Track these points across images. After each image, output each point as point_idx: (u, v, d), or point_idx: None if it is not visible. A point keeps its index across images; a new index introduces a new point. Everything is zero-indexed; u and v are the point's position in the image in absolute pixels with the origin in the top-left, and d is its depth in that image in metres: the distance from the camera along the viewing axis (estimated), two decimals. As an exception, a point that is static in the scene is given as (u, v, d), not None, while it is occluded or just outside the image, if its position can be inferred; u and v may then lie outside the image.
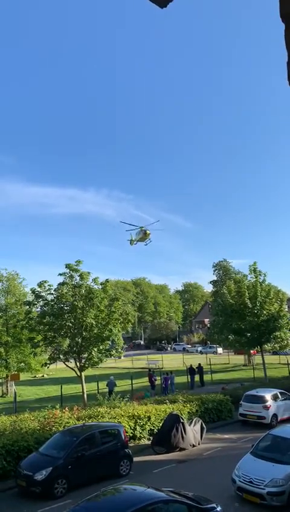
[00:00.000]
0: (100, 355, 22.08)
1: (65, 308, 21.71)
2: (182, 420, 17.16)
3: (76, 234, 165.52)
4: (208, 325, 67.98)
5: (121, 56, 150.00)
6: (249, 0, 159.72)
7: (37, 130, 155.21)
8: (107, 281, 23.41)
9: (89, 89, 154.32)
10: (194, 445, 17.23)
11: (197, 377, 33.55)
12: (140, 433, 17.76)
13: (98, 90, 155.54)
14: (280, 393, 21.59)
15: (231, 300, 31.39)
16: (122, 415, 17.71)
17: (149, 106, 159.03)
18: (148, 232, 34.80)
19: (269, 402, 20.53)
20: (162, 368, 43.13)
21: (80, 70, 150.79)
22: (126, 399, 21.27)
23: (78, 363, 22.02)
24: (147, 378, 31.85)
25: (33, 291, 22.26)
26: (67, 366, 22.94)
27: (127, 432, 16.05)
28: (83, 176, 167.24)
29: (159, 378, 31.28)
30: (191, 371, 33.24)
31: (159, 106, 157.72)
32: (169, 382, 30.23)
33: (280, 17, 1.99)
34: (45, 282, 22.04)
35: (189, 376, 32.95)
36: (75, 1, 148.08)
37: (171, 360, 53.10)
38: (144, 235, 34.91)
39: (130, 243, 36.39)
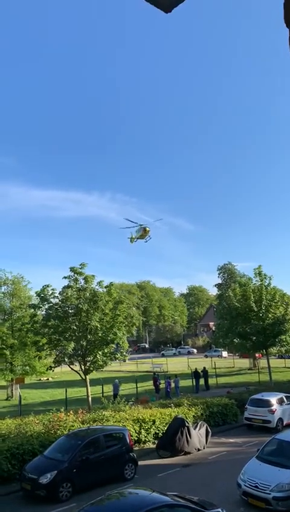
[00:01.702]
0: (105, 358, 22.07)
1: (70, 311, 21.76)
2: (187, 424, 17.10)
3: (80, 237, 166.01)
4: (213, 328, 67.80)
5: (124, 58, 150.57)
6: (253, 6, 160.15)
7: (40, 133, 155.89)
8: (111, 284, 23.42)
9: (92, 92, 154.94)
10: (199, 449, 17.16)
11: (202, 381, 33.44)
12: (145, 436, 17.71)
13: (101, 93, 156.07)
14: (286, 397, 21.46)
15: (236, 304, 31.28)
16: (127, 419, 17.67)
17: (153, 109, 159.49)
18: (147, 228, 34.99)
19: (275, 406, 20.41)
20: (167, 372, 43.08)
21: (82, 73, 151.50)
22: (131, 402, 21.23)
23: (83, 366, 22.04)
24: (151, 382, 31.83)
25: (38, 294, 22.33)
26: (72, 369, 22.96)
27: (132, 436, 16.01)
28: (86, 179, 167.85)
29: (163, 381, 31.25)
30: (196, 374, 33.14)
31: (163, 109, 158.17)
32: (171, 386, 30.12)
33: (284, 22, 2.00)
34: (48, 286, 22.10)
35: (194, 380, 32.85)
36: (77, 3, 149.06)
37: (175, 364, 52.97)
38: (143, 232, 35.08)
39: (130, 241, 36.59)
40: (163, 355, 71.53)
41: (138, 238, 35.93)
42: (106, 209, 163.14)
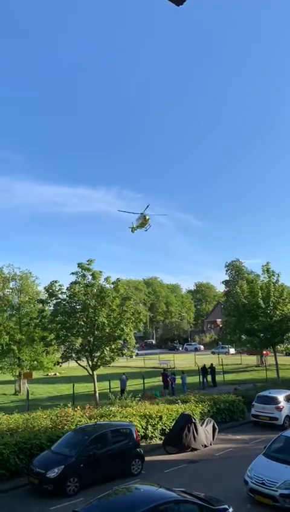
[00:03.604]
0: (112, 354, 22.11)
1: (77, 307, 21.80)
2: (193, 420, 17.09)
3: (87, 233, 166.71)
4: (220, 325, 67.60)
5: (133, 55, 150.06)
6: (261, 3, 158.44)
7: (47, 130, 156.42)
8: (118, 280, 23.43)
9: (100, 89, 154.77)
10: (206, 446, 17.15)
11: (209, 377, 33.38)
12: (152, 432, 17.72)
13: (109, 90, 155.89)
14: (293, 394, 21.35)
15: (243, 300, 31.14)
16: (134, 414, 17.69)
17: (160, 106, 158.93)
18: (147, 217, 35.04)
19: (282, 403, 20.33)
20: (174, 368, 43.11)
21: (91, 70, 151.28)
22: (138, 398, 21.26)
23: (90, 362, 22.10)
24: (158, 378, 31.82)
25: (47, 289, 22.39)
26: (79, 364, 23.03)
27: (138, 431, 16.04)
28: (93, 175, 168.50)
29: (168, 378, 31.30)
30: (203, 371, 33.10)
31: (171, 106, 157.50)
32: (175, 382, 30.12)
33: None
34: (56, 282, 22.15)
35: (201, 376, 32.81)
36: (81, 5, 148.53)
37: (182, 360, 52.97)
38: (143, 220, 35.15)
39: (131, 230, 36.71)
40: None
41: (138, 227, 36.09)
42: (113, 205, 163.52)
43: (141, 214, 35.19)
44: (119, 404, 19.98)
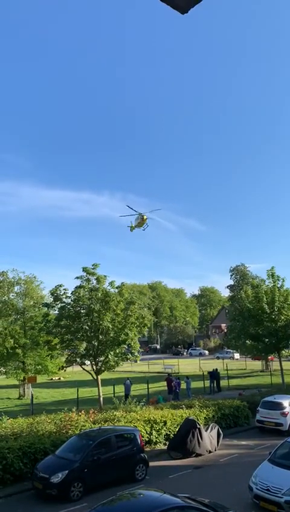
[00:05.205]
0: (116, 358, 22.09)
1: (82, 311, 21.83)
2: (198, 425, 17.00)
3: (91, 237, 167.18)
4: (225, 330, 67.41)
5: (138, 60, 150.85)
6: (263, 9, 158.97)
7: (52, 135, 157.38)
8: (123, 284, 23.44)
9: (104, 93, 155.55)
10: (210, 451, 17.06)
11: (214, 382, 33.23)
12: (156, 437, 17.66)
13: (112, 94, 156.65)
14: (298, 400, 21.20)
15: (248, 305, 31.04)
16: (138, 419, 17.64)
17: (163, 110, 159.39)
18: (145, 217, 35.55)
19: (287, 409, 20.17)
20: (178, 373, 43.00)
21: (95, 75, 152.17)
22: (142, 403, 21.21)
23: (94, 366, 22.09)
24: (162, 383, 31.72)
25: (52, 293, 22.45)
26: (83, 369, 23.01)
27: (143, 437, 15.99)
28: (97, 180, 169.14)
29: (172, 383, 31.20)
30: (212, 375, 33.00)
31: (175, 110, 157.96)
32: (180, 386, 30.01)
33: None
34: (61, 286, 22.21)
35: (210, 380, 32.70)
36: (91, 4, 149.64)
37: (187, 365, 52.81)
38: (141, 220, 35.63)
39: (130, 230, 37.22)
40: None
41: (136, 226, 36.54)
42: (117, 209, 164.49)
43: (139, 214, 35.75)
44: (124, 409, 19.92)
